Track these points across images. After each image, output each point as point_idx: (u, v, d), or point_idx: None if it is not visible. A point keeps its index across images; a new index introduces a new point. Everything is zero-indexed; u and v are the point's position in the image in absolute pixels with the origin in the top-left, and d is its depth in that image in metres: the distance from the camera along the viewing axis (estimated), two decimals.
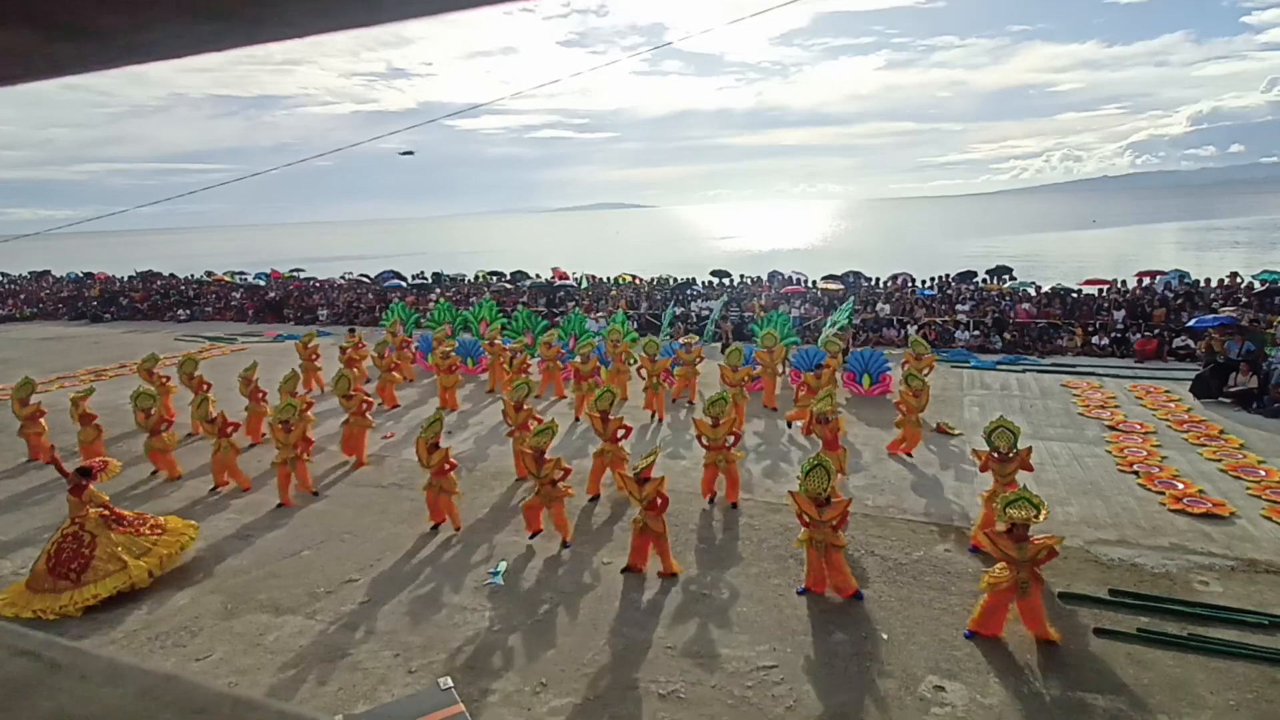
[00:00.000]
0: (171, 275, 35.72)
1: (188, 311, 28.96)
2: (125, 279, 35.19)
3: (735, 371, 12.05)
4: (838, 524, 6.81)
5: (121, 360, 19.95)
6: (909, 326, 19.21)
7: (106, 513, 7.81)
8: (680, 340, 14.77)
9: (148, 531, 7.83)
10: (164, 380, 13.58)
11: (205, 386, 12.94)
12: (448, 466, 8.66)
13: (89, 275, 36.59)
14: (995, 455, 7.66)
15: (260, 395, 12.43)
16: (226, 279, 33.30)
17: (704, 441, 9.15)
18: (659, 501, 7.37)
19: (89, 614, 7.11)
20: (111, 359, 20.31)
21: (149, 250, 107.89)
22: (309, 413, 10.61)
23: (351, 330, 17.89)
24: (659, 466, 8.18)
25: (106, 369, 18.89)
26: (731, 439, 9.12)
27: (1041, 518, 6.08)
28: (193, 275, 35.35)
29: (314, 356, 15.70)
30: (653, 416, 12.92)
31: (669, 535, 7.54)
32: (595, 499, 9.47)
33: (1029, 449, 7.78)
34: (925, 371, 12.06)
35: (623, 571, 7.57)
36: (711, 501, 9.18)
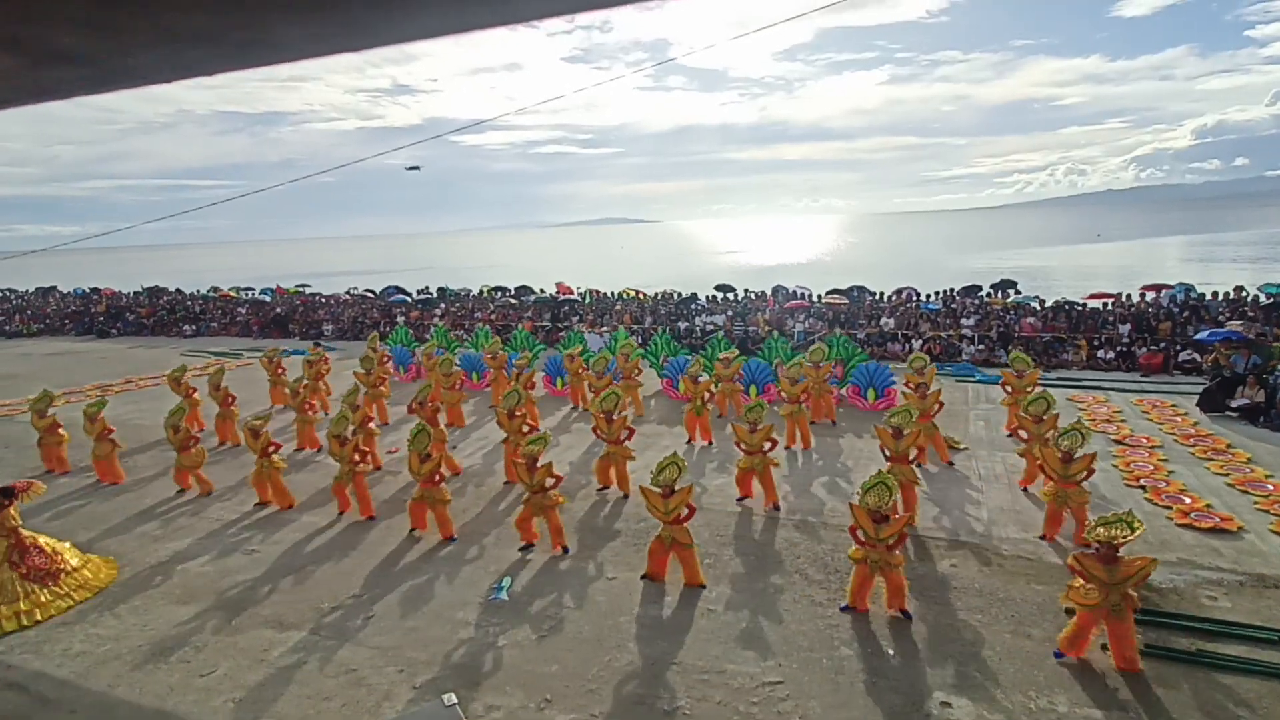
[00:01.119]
0: (177, 291, 35.95)
1: (193, 327, 29.12)
2: (131, 295, 35.43)
3: (794, 385, 11.81)
4: (894, 543, 6.64)
5: (127, 375, 20.07)
6: (914, 340, 19.21)
7: (12, 541, 7.70)
8: (719, 355, 14.32)
9: (35, 580, 7.58)
10: (191, 391, 13.61)
11: (230, 399, 13.06)
12: (438, 478, 8.80)
13: (95, 291, 36.85)
14: (1061, 456, 7.96)
15: (309, 407, 12.60)
16: (232, 294, 33.51)
17: (742, 446, 9.38)
18: (685, 513, 7.40)
19: (93, 628, 7.13)
20: (118, 374, 20.41)
21: (155, 266, 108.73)
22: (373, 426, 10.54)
23: (316, 344, 17.98)
24: (685, 479, 8.06)
25: (113, 384, 18.98)
26: (768, 445, 9.31)
27: (1133, 537, 5.91)
28: (198, 291, 35.57)
29: (279, 370, 15.60)
30: (689, 443, 12.26)
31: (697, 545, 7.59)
32: (606, 488, 10.08)
33: (1094, 454, 8.11)
34: (1030, 390, 11.03)
35: (642, 578, 7.60)
36: (741, 500, 9.51)
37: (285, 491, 10.15)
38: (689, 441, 12.38)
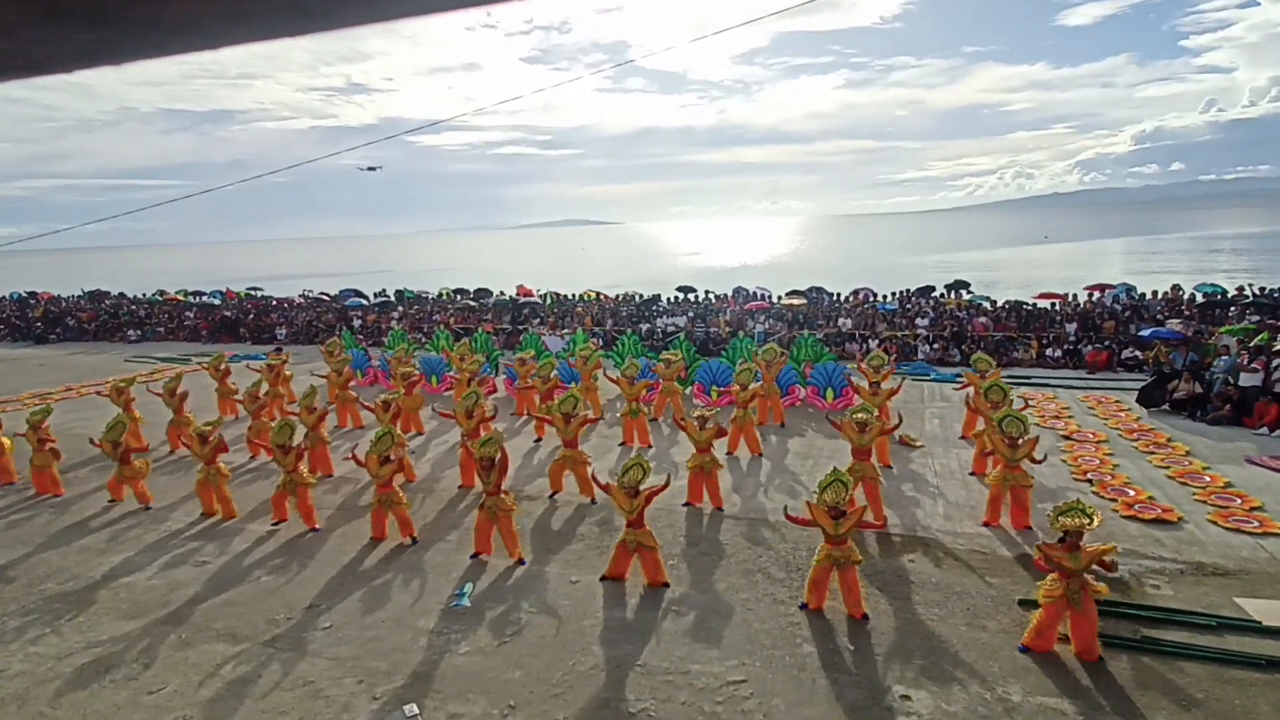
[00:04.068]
0: (121, 294, 34.68)
1: (138, 332, 28.13)
2: (72, 298, 34.09)
3: (744, 390, 11.42)
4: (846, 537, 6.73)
5: (67, 383, 19.30)
6: (871, 340, 19.56)
7: None
8: (660, 356, 14.06)
9: None
10: (130, 402, 12.95)
11: (182, 405, 12.65)
12: (397, 481, 8.65)
13: (32, 295, 35.34)
14: (1006, 441, 8.44)
15: (267, 413, 12.26)
16: (180, 298, 32.47)
17: (694, 445, 9.38)
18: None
19: (33, 646, 6.82)
20: (57, 382, 19.61)
21: (97, 269, 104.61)
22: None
23: (278, 350, 17.49)
24: (649, 481, 7.89)
25: (52, 392, 18.22)
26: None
27: (1095, 524, 6.10)
28: (143, 294, 34.37)
29: (225, 376, 14.66)
30: (622, 444, 12.19)
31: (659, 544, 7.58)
32: (555, 494, 9.96)
33: (1036, 438, 8.60)
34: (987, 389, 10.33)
35: (601, 580, 7.57)
36: (687, 505, 9.43)
37: (229, 501, 9.79)
38: (622, 443, 12.30)
